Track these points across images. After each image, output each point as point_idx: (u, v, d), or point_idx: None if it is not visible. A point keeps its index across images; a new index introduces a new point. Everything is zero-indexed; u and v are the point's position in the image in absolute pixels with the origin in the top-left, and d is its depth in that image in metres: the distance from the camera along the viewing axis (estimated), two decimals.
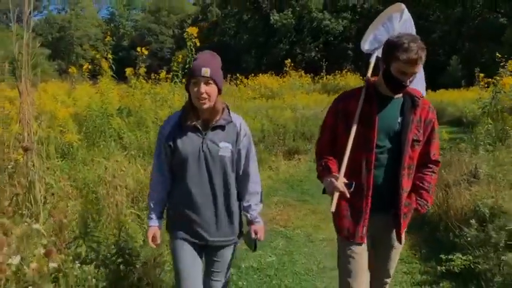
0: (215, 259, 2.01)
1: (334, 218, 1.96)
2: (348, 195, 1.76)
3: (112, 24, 50.17)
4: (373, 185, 1.84)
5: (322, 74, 19.52)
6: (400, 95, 1.87)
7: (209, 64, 1.82)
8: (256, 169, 2.01)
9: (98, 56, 7.01)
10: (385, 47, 1.82)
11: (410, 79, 1.78)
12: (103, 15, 56.69)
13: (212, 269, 2.03)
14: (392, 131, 1.86)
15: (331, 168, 1.87)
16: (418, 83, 1.94)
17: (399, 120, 1.86)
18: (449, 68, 24.89)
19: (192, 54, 6.61)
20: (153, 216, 1.95)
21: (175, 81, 6.52)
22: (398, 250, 2.03)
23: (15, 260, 1.55)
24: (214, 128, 1.89)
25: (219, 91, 1.86)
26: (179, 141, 1.88)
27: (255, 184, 1.99)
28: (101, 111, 5.53)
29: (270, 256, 3.56)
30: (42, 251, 1.61)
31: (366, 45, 2.12)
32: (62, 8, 50.33)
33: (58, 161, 3.72)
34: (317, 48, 29.41)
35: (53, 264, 1.64)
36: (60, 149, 4.38)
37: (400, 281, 3.12)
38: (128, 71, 7.23)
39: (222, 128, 1.89)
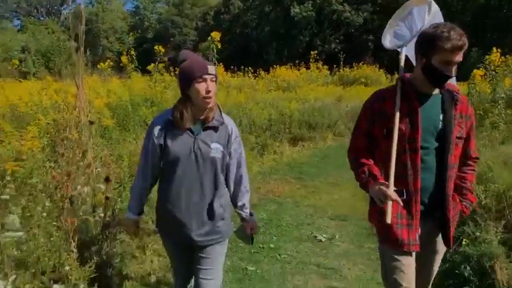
0: (203, 258, 2.02)
1: (382, 228, 1.83)
2: (402, 204, 1.70)
3: (137, 17, 51.91)
4: (421, 188, 1.77)
5: (340, 66, 20.11)
6: (438, 91, 1.82)
7: (209, 62, 1.90)
8: (246, 170, 2.07)
9: (122, 50, 8.19)
10: (422, 40, 1.75)
11: (454, 69, 1.74)
12: (128, 8, 58.58)
13: (201, 267, 2.03)
14: (436, 130, 1.79)
15: (376, 175, 1.78)
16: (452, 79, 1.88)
17: (441, 117, 1.79)
18: (470, 60, 24.93)
19: (214, 56, 7.63)
20: (132, 212, 2.04)
21: None
22: (441, 255, 1.97)
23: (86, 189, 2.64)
24: (206, 129, 1.92)
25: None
26: (170, 141, 1.90)
27: (246, 184, 2.06)
28: (130, 102, 6.71)
29: (262, 214, 4.57)
30: (103, 185, 2.68)
31: (386, 42, 2.09)
32: (89, 2, 52.30)
33: (99, 139, 4.84)
34: (337, 40, 29.91)
35: (109, 195, 2.72)
36: (98, 132, 5.52)
37: None
38: (150, 67, 8.37)
39: (215, 129, 1.93)
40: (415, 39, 1.83)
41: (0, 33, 34.07)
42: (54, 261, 2.14)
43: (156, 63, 8.09)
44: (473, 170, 1.94)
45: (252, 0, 36.51)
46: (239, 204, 2.05)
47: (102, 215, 2.67)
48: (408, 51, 1.95)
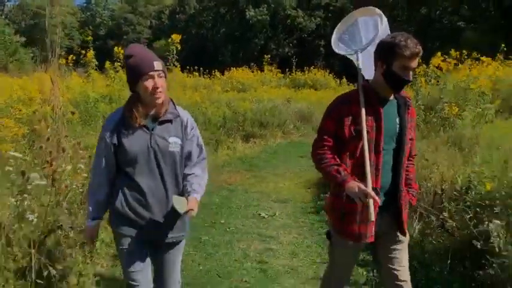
0: (166, 255, 2.04)
1: (339, 222, 2.03)
2: (379, 203, 1.87)
3: (88, 13, 50.66)
4: (381, 186, 1.96)
5: (292, 69, 21.21)
6: (393, 96, 2.00)
7: (156, 57, 1.87)
8: (205, 158, 2.06)
9: (74, 46, 8.58)
10: (382, 48, 1.92)
11: (411, 74, 1.91)
12: (79, 3, 56.86)
13: (162, 265, 2.06)
14: (394, 132, 1.98)
15: (349, 174, 1.92)
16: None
17: (397, 121, 1.98)
18: None
19: (174, 57, 8.17)
20: (91, 218, 1.97)
21: None
22: (406, 243, 2.12)
23: (69, 167, 3.22)
24: (161, 123, 1.91)
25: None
26: (125, 139, 1.87)
27: (203, 174, 2.03)
28: (90, 98, 7.18)
29: (215, 199, 5.29)
30: (83, 165, 3.27)
31: (336, 48, 2.23)
32: None
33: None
34: (291, 44, 31.25)
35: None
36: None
37: None
38: (107, 64, 8.80)
39: (170, 122, 1.93)
40: (371, 47, 2.02)
41: None
42: None
43: (114, 61, 8.51)
44: (413, 164, 2.19)
45: (207, 1, 37.11)
46: (193, 182, 1.95)
47: (81, 190, 3.27)
48: (363, 60, 2.09)
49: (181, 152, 1.94)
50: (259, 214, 4.77)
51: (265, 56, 17.01)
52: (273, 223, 4.52)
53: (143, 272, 1.99)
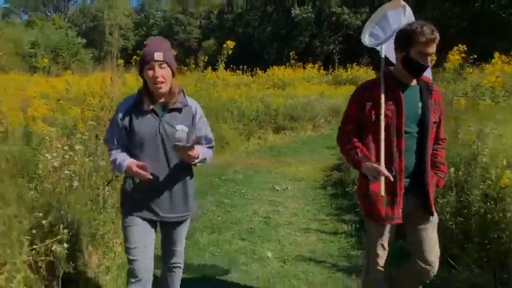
0: (170, 234, 2.24)
1: (367, 205, 2.15)
2: (392, 179, 1.98)
3: (142, 14, 53.95)
4: (404, 168, 2.06)
5: (335, 66, 21.88)
6: (416, 82, 2.11)
7: (160, 48, 1.99)
8: (210, 151, 2.23)
9: (129, 46, 10.01)
10: (400, 36, 2.05)
11: (430, 60, 2.01)
12: (134, 6, 60.59)
13: (168, 241, 2.27)
14: (416, 116, 2.08)
15: (367, 155, 2.05)
16: (427, 71, 2.14)
17: (420, 105, 2.09)
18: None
19: (223, 60, 9.37)
20: (122, 162, 2.05)
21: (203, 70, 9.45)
22: (435, 223, 2.21)
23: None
24: (170, 111, 2.07)
25: (173, 74, 2.05)
26: (136, 123, 2.04)
27: (207, 153, 2.18)
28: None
29: (240, 176, 6.41)
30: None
31: (366, 41, 2.40)
32: None
33: None
34: (336, 42, 31.72)
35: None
36: None
37: None
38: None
39: (179, 110, 2.08)
40: (392, 39, 2.13)
41: (10, 28, 36.12)
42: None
43: None
44: (443, 148, 2.29)
45: (255, 0, 38.44)
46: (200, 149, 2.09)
47: None
48: (386, 50, 2.24)
49: (187, 139, 2.07)
50: (275, 188, 5.83)
51: (310, 53, 17.75)
52: (284, 194, 5.56)
53: (143, 249, 2.13)
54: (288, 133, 10.42)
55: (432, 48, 1.99)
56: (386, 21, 2.34)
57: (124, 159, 2.05)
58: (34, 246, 2.50)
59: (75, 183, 3.48)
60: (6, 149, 3.66)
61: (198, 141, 2.03)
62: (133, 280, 2.15)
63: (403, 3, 2.29)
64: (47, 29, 34.92)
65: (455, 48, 6.50)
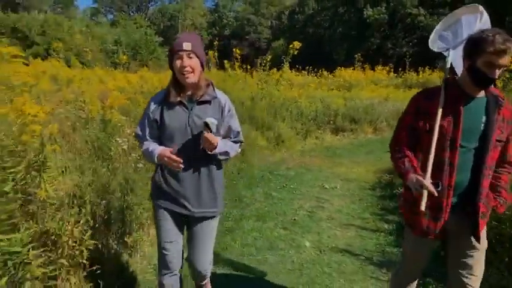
0: (197, 230, 2.22)
1: (409, 215, 2.10)
2: (436, 194, 1.87)
3: (216, 14, 56.04)
4: (455, 184, 1.94)
5: (406, 69, 21.27)
6: (483, 94, 1.96)
7: (190, 39, 2.03)
8: (237, 146, 2.25)
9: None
10: (468, 44, 1.90)
11: (499, 73, 1.85)
12: (208, 6, 63.07)
13: (194, 240, 2.23)
14: (477, 131, 1.93)
15: (414, 166, 1.97)
16: None
17: (483, 120, 1.93)
18: None
19: (289, 60, 9.79)
20: (154, 150, 2.10)
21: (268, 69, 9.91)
22: (482, 252, 2.06)
23: None
24: (200, 103, 2.09)
25: (202, 66, 2.07)
26: (166, 116, 2.08)
27: (231, 148, 2.19)
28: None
29: (292, 173, 6.70)
30: None
31: (434, 45, 2.26)
32: None
33: None
34: (410, 44, 30.59)
35: None
36: None
37: None
38: (226, 64, 10.84)
39: (209, 103, 2.11)
40: (462, 45, 1.98)
41: (97, 27, 39.60)
42: None
43: (233, 60, 10.43)
44: (509, 172, 2.11)
45: (326, 1, 38.26)
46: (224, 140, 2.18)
47: None
48: (454, 57, 2.12)
49: (217, 132, 2.09)
50: (323, 186, 6.04)
51: (357, 55, 17.53)
52: (332, 192, 5.76)
53: (174, 242, 2.20)
54: (347, 134, 10.48)
55: (502, 60, 1.82)
56: (459, 26, 2.20)
57: (156, 147, 2.10)
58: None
59: (140, 165, 4.03)
60: (86, 133, 4.32)
61: (226, 134, 2.17)
62: (165, 272, 2.22)
63: (481, 8, 2.16)
64: (129, 28, 37.73)
65: None
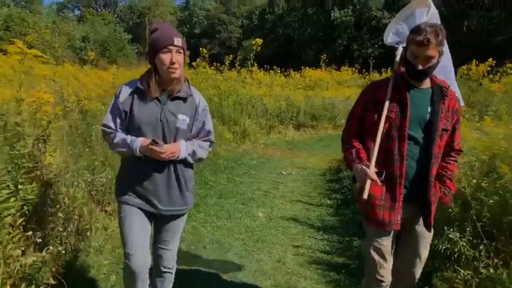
0: (165, 229, 2.19)
1: (365, 207, 2.09)
2: (379, 183, 1.93)
3: (186, 12, 56.37)
4: (405, 174, 1.99)
5: (370, 70, 22.63)
6: (429, 85, 2.02)
7: (178, 34, 1.99)
8: (207, 144, 2.20)
9: None
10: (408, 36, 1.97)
11: (428, 65, 1.89)
12: (179, 3, 63.24)
13: (161, 238, 2.21)
14: (423, 121, 2.00)
15: (362, 157, 2.02)
16: (447, 75, 2.14)
17: (429, 110, 1.99)
18: None
19: (253, 59, 10.51)
20: (133, 143, 2.01)
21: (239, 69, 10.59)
22: (428, 240, 2.15)
23: None
24: (173, 99, 2.05)
25: (184, 60, 2.03)
26: (137, 109, 2.01)
27: (201, 149, 2.16)
28: None
29: (254, 162, 7.53)
30: None
31: (387, 39, 2.31)
32: None
33: None
34: (376, 46, 32.17)
35: None
36: None
37: None
38: (196, 62, 11.51)
39: (183, 100, 2.07)
40: None
41: (64, 23, 39.19)
42: None
43: (201, 58, 11.04)
44: (455, 161, 2.16)
45: (296, 1, 39.48)
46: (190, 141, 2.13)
47: None
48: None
49: (187, 130, 2.09)
50: (281, 172, 6.90)
51: (323, 56, 18.62)
52: (287, 178, 6.62)
53: (140, 242, 2.10)
54: (308, 130, 11.42)
55: (424, 51, 1.87)
56: (413, 19, 2.24)
57: (135, 138, 2.02)
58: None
59: None
60: (67, 122, 4.99)
61: (198, 133, 2.16)
62: (130, 275, 2.12)
63: (429, 1, 2.24)
64: (97, 24, 37.60)
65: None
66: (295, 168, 7.34)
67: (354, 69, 22.35)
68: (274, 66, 19.29)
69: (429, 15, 2.24)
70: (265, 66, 18.52)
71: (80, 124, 4.89)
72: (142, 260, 2.10)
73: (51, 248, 2.62)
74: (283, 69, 20.10)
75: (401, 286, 2.28)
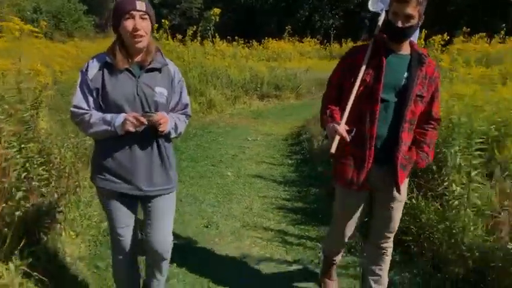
0: (153, 208, 2.08)
1: (335, 165, 2.19)
2: (348, 140, 1.96)
3: None
4: (376, 135, 2.04)
5: (331, 41, 23.35)
6: (408, 51, 2.06)
7: None
8: (184, 117, 2.13)
9: None
10: None
11: (407, 24, 1.92)
12: None
13: (151, 219, 2.09)
14: (398, 86, 2.04)
15: (335, 116, 2.08)
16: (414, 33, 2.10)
17: (405, 75, 2.03)
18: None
19: (213, 29, 10.71)
20: (113, 119, 1.87)
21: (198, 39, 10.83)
22: (400, 204, 2.21)
23: None
24: (148, 70, 1.93)
25: (152, 29, 1.91)
26: (109, 85, 1.87)
27: (180, 122, 2.08)
28: None
29: (220, 130, 8.06)
30: None
31: (372, 6, 2.32)
32: None
33: None
34: (337, 16, 32.83)
35: None
36: None
37: None
38: (160, 33, 11.68)
39: (159, 70, 1.96)
40: None
41: None
42: None
43: (163, 30, 11.23)
44: (434, 129, 2.19)
45: None
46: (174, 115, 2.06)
47: None
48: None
49: (166, 103, 1.99)
50: (247, 138, 7.48)
51: (287, 27, 19.06)
52: (253, 143, 7.21)
53: (128, 227, 2.08)
54: (272, 100, 12.01)
55: (404, 8, 1.90)
56: None
57: (114, 115, 1.88)
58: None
59: None
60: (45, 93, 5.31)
61: (175, 106, 2.07)
62: (120, 257, 2.17)
63: None
64: None
65: None
66: (260, 134, 7.94)
67: (316, 40, 22.98)
68: (237, 37, 19.58)
69: None
70: (228, 37, 18.77)
71: (56, 95, 5.23)
72: (130, 242, 2.14)
73: (49, 198, 3.10)
74: (246, 40, 20.41)
75: (375, 247, 2.37)
